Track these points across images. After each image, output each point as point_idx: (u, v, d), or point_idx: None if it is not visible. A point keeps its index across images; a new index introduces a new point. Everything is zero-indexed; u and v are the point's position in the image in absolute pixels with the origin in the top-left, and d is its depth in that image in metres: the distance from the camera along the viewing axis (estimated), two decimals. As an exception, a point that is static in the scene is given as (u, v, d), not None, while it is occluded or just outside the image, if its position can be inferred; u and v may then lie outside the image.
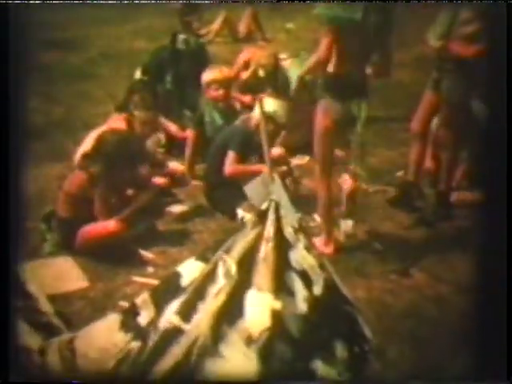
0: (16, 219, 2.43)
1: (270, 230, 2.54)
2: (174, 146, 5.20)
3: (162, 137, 5.19)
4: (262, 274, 2.49)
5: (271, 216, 2.55)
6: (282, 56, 5.59)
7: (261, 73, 5.20)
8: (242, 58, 5.67)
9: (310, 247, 2.58)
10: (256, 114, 4.48)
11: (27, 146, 2.97)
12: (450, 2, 4.02)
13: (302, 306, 2.51)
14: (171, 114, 5.26)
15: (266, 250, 2.52)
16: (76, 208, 3.92)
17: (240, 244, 2.53)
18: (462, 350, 2.76)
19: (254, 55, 5.49)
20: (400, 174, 5.09)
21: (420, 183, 4.80)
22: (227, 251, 2.53)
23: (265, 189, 2.58)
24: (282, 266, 2.53)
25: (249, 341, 2.39)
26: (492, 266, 2.47)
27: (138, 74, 5.39)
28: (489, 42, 2.70)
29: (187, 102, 5.33)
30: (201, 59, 5.42)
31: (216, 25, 8.55)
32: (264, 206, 2.57)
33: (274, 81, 5.34)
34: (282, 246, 2.55)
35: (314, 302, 2.52)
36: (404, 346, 3.02)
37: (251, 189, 2.60)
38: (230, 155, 4.44)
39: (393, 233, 4.24)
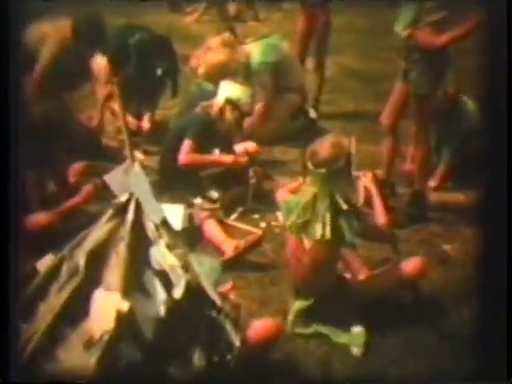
0: (15, 216, 2.68)
1: (126, 224, 2.58)
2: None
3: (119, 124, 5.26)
4: (113, 271, 2.55)
5: (130, 210, 2.58)
6: (247, 39, 5.55)
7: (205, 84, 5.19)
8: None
9: (173, 245, 2.59)
10: (218, 100, 4.54)
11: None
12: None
13: (158, 308, 2.54)
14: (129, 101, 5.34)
15: (120, 246, 2.55)
16: None
17: (92, 238, 2.57)
18: (462, 350, 2.95)
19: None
20: (379, 171, 5.03)
21: (393, 182, 4.75)
22: (77, 245, 2.57)
23: (127, 179, 2.60)
24: (138, 264, 2.59)
25: (88, 343, 2.43)
26: (492, 265, 2.62)
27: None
28: (489, 38, 2.82)
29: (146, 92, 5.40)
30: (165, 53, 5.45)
31: (204, 2, 8.53)
32: (123, 198, 2.60)
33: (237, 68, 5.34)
34: (141, 242, 2.62)
35: (172, 305, 2.55)
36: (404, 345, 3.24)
37: (112, 179, 2.63)
38: (186, 143, 4.47)
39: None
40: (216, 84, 4.94)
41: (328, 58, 6.23)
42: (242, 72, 5.23)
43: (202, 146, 4.50)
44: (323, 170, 3.34)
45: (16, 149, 2.84)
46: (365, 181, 3.68)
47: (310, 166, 3.39)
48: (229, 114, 4.55)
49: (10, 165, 2.79)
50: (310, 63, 5.96)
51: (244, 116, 4.70)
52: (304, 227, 3.41)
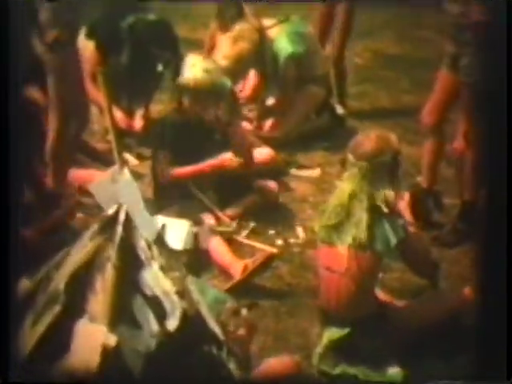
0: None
1: (114, 242, 2.60)
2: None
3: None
4: (98, 298, 2.56)
5: (118, 225, 2.60)
6: (266, 22, 5.59)
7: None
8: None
9: (168, 267, 2.61)
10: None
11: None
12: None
13: (148, 342, 2.58)
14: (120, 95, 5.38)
15: (107, 268, 2.57)
16: None
17: (74, 258, 2.60)
18: (462, 350, 3.25)
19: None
20: (419, 178, 5.04)
21: (438, 191, 4.74)
22: (56, 267, 2.60)
23: (115, 188, 2.64)
24: (126, 289, 2.61)
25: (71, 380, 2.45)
26: (492, 265, 2.86)
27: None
28: (488, 42, 3.12)
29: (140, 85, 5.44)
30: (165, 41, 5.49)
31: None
32: (110, 212, 2.63)
33: (260, 58, 5.38)
34: (131, 264, 2.63)
35: (165, 338, 2.58)
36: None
37: (98, 188, 2.67)
38: (162, 157, 4.34)
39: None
40: (235, 80, 5.02)
41: (358, 43, 6.26)
42: (270, 67, 5.31)
43: (187, 156, 4.43)
44: (365, 164, 3.42)
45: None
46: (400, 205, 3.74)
47: (351, 157, 3.47)
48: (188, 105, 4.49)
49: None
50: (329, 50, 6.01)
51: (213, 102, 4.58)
52: (336, 231, 3.45)
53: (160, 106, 5.74)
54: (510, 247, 2.86)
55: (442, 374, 3.36)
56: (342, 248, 3.42)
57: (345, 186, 3.48)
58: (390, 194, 3.47)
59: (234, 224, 4.49)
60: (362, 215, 3.40)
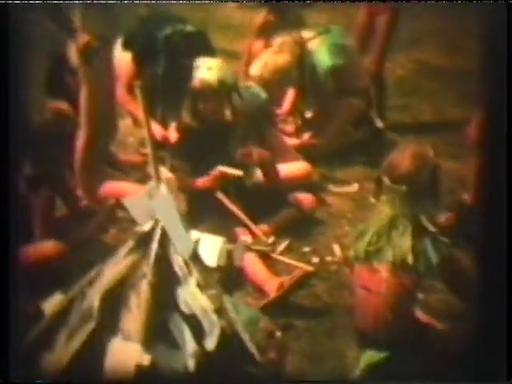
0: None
1: (150, 259, 2.68)
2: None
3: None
4: (133, 316, 2.64)
5: (154, 241, 2.68)
6: (306, 34, 5.68)
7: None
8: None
9: (205, 284, 2.69)
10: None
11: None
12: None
13: (188, 362, 2.65)
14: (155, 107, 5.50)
15: (141, 285, 2.66)
16: None
17: (109, 275, 2.68)
18: (461, 350, 3.31)
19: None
20: (465, 196, 5.06)
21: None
22: (91, 283, 2.68)
23: (151, 204, 2.72)
24: (163, 308, 2.68)
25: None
26: (492, 265, 2.99)
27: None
28: (488, 43, 3.11)
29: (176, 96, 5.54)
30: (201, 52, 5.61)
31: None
32: (146, 228, 2.71)
33: (300, 71, 5.48)
34: (167, 281, 2.70)
35: (204, 358, 2.63)
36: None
37: (133, 203, 2.75)
38: None
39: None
40: (270, 92, 5.13)
41: (401, 53, 6.31)
42: (309, 80, 5.44)
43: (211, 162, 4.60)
44: (404, 188, 3.41)
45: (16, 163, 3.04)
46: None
47: (386, 181, 3.46)
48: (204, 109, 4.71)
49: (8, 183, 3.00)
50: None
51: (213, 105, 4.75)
52: (377, 254, 3.48)
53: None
54: (510, 247, 2.97)
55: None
56: (381, 267, 3.44)
57: (384, 210, 3.48)
58: (434, 213, 3.50)
59: (270, 241, 4.58)
60: (405, 239, 3.40)
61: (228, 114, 4.72)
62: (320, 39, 5.58)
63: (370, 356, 3.52)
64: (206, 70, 4.69)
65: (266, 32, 5.78)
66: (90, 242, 4.29)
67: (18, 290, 2.89)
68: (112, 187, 4.82)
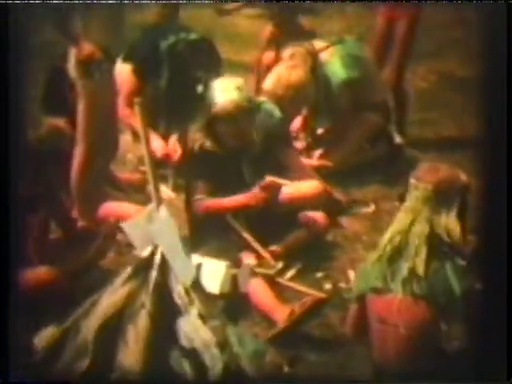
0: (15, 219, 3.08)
1: (149, 287, 2.66)
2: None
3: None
4: (131, 350, 2.61)
5: (153, 268, 2.67)
6: (319, 44, 5.66)
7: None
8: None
9: (208, 314, 2.67)
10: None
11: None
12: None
13: (189, 400, 2.61)
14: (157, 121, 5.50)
15: (140, 316, 2.64)
16: None
17: (105, 305, 2.66)
18: (461, 350, 3.39)
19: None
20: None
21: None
22: (85, 315, 2.67)
23: (151, 227, 2.71)
24: (162, 340, 2.65)
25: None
26: (491, 266, 3.15)
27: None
28: (488, 43, 3.27)
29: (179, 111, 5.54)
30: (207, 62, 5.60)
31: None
32: (145, 253, 2.70)
33: (313, 84, 5.45)
34: (166, 311, 2.69)
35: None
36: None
37: (132, 227, 2.74)
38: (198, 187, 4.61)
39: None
40: (284, 109, 5.12)
41: (422, 65, 6.29)
42: (322, 94, 5.39)
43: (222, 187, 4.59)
44: (430, 186, 3.44)
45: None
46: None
47: (414, 182, 3.49)
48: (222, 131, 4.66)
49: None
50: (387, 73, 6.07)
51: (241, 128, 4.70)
52: (390, 268, 3.45)
53: (197, 134, 5.91)
54: (510, 247, 3.11)
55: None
56: (397, 295, 3.41)
57: (404, 214, 3.50)
58: (454, 224, 3.47)
59: (279, 265, 4.55)
60: (420, 245, 3.41)
61: (254, 134, 4.73)
62: (333, 50, 5.55)
63: None
64: (235, 90, 4.65)
65: (274, 43, 5.78)
66: (87, 268, 4.26)
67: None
68: (111, 208, 4.77)
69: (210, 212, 4.56)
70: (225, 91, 4.68)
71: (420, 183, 3.50)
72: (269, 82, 5.40)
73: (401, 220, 3.53)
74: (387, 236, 3.53)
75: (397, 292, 3.43)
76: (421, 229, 3.44)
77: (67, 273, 4.11)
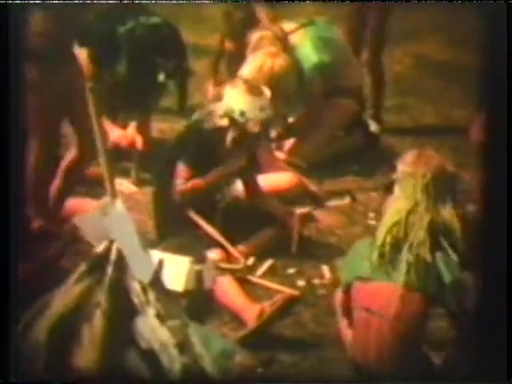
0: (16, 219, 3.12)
1: (104, 285, 2.63)
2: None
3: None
4: (86, 351, 2.59)
5: (109, 265, 2.64)
6: (288, 27, 5.63)
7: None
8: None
9: (166, 314, 2.64)
10: (220, 109, 4.62)
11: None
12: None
13: (147, 405, 2.59)
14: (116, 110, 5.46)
15: (95, 315, 2.62)
16: None
17: (57, 305, 2.64)
18: (461, 350, 3.56)
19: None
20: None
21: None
22: (36, 316, 2.64)
23: (106, 222, 2.68)
24: (118, 341, 2.63)
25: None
26: (491, 265, 3.25)
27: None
28: (488, 42, 3.38)
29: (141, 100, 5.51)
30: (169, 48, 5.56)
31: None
32: (99, 249, 2.67)
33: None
34: (123, 310, 2.66)
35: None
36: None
37: (85, 221, 2.71)
38: (180, 170, 4.59)
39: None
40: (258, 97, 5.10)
41: (398, 47, 6.29)
42: (296, 80, 5.36)
43: (198, 173, 4.58)
44: (428, 173, 3.50)
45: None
46: None
47: (403, 168, 3.55)
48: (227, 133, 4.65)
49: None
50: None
51: (248, 138, 4.68)
52: (391, 263, 3.50)
53: (164, 124, 5.87)
54: (510, 247, 3.20)
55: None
56: (392, 284, 3.46)
57: (400, 203, 3.55)
58: (451, 214, 3.55)
59: (250, 261, 4.54)
60: (423, 234, 3.46)
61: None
62: (303, 32, 5.56)
63: None
64: (260, 111, 4.60)
65: (239, 28, 5.75)
66: (50, 267, 4.22)
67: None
68: (74, 205, 4.75)
69: (187, 193, 4.52)
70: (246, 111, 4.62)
71: (417, 170, 3.54)
72: (248, 69, 5.32)
73: (396, 210, 3.55)
74: (384, 228, 3.54)
75: (397, 282, 3.46)
76: (420, 218, 3.49)
77: (32, 272, 4.09)
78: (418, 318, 3.50)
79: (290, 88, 5.35)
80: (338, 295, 3.78)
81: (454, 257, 3.50)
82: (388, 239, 3.48)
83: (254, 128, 4.60)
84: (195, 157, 4.62)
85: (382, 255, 3.48)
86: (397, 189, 3.58)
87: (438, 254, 3.48)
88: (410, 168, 3.52)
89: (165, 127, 5.85)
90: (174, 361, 2.64)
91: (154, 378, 2.62)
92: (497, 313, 3.20)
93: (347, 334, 3.68)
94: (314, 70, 5.45)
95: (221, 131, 4.61)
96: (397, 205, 3.53)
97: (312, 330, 4.12)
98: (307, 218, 4.85)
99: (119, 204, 2.68)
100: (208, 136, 4.64)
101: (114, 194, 2.69)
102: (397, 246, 3.47)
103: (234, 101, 4.58)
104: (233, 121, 4.54)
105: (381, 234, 3.51)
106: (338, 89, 5.56)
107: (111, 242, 2.73)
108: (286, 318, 4.15)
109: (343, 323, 3.72)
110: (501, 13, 3.29)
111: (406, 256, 3.45)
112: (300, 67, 5.48)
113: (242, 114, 4.56)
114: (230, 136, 4.59)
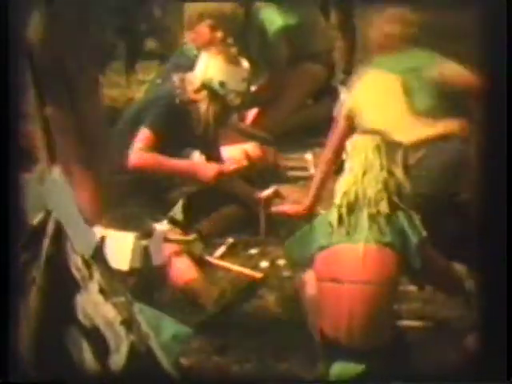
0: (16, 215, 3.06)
1: (40, 259, 2.69)
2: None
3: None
4: (22, 331, 2.64)
5: (45, 238, 2.70)
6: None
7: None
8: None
9: (111, 290, 2.70)
10: (193, 78, 4.70)
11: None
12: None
13: (87, 384, 2.66)
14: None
15: (30, 292, 2.67)
16: None
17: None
18: (461, 350, 3.84)
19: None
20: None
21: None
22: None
23: (42, 190, 2.73)
24: (56, 319, 2.68)
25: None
26: (491, 266, 3.38)
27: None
28: (488, 41, 3.47)
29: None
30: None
31: None
32: (36, 221, 2.72)
33: (243, 34, 5.49)
34: (61, 286, 2.71)
35: (108, 381, 2.64)
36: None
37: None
38: (141, 134, 4.61)
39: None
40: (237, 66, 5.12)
41: (372, 7, 6.34)
42: (256, 44, 5.48)
43: (166, 143, 4.62)
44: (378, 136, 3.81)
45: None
46: None
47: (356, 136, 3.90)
48: (204, 106, 4.69)
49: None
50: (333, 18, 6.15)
51: (228, 111, 4.82)
52: (349, 224, 3.66)
53: (114, 90, 5.90)
54: (509, 247, 3.31)
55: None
56: (356, 245, 3.60)
57: (353, 167, 3.76)
58: (403, 176, 3.78)
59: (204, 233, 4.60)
60: (380, 190, 3.68)
61: None
62: None
63: (341, 369, 3.62)
64: (241, 82, 4.70)
65: None
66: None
67: None
68: None
69: (148, 168, 4.56)
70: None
71: (367, 135, 3.86)
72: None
73: (351, 174, 3.75)
74: (341, 191, 3.73)
75: (360, 241, 3.61)
76: (376, 176, 3.70)
77: None
78: (390, 279, 3.63)
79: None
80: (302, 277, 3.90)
81: (415, 216, 3.71)
82: (345, 200, 3.66)
83: (235, 101, 4.70)
84: (162, 123, 4.61)
85: (340, 217, 3.63)
86: (351, 155, 3.80)
87: (400, 213, 3.67)
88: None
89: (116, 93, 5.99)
90: (120, 339, 2.69)
91: (97, 358, 2.69)
92: (497, 313, 3.33)
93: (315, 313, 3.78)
94: (279, 33, 5.54)
95: (195, 102, 4.68)
96: (350, 165, 3.74)
97: (275, 314, 4.21)
98: (272, 198, 4.90)
99: (56, 171, 2.74)
100: (180, 107, 4.67)
101: (50, 160, 2.73)
102: (356, 205, 3.66)
103: (212, 70, 4.65)
104: (212, 92, 4.62)
105: (338, 197, 3.70)
106: (304, 53, 5.65)
107: (48, 212, 2.78)
108: (247, 302, 4.25)
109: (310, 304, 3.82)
110: (501, 13, 3.41)
111: (366, 213, 3.63)
112: (264, 30, 5.58)
113: (222, 84, 4.65)
114: (210, 109, 4.65)
